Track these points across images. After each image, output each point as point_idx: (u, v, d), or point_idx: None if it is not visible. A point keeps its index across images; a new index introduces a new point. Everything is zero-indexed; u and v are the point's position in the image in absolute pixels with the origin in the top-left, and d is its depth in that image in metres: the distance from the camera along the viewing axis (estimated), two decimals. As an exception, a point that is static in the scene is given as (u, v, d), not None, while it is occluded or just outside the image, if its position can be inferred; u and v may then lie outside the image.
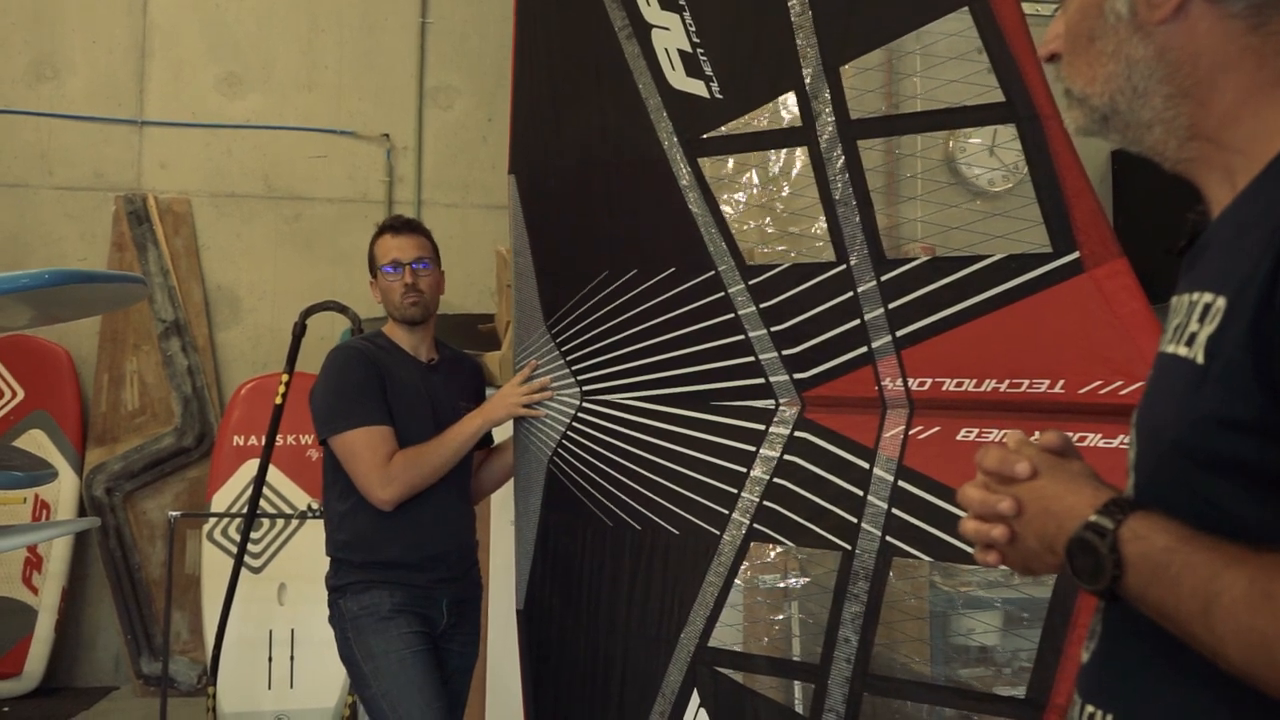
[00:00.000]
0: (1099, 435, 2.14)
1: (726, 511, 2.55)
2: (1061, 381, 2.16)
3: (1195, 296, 0.99)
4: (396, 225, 3.02)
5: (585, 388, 2.81)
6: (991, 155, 4.25)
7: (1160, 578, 0.93)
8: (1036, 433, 2.36)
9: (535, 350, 2.91)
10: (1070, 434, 2.17)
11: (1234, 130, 1.02)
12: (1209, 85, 1.02)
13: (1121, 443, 2.13)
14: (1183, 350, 0.98)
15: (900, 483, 2.33)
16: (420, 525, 2.91)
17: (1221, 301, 0.94)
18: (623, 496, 2.71)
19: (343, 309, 4.78)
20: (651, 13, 2.53)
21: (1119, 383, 2.10)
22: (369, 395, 2.87)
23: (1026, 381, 2.20)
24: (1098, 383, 2.12)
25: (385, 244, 2.98)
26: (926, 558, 2.30)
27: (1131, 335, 2.07)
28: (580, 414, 2.81)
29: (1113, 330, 2.08)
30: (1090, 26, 1.08)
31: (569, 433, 2.83)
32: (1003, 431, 2.24)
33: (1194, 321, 0.98)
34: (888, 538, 2.33)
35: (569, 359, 2.83)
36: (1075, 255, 2.11)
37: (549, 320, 2.85)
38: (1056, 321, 2.14)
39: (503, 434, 3.14)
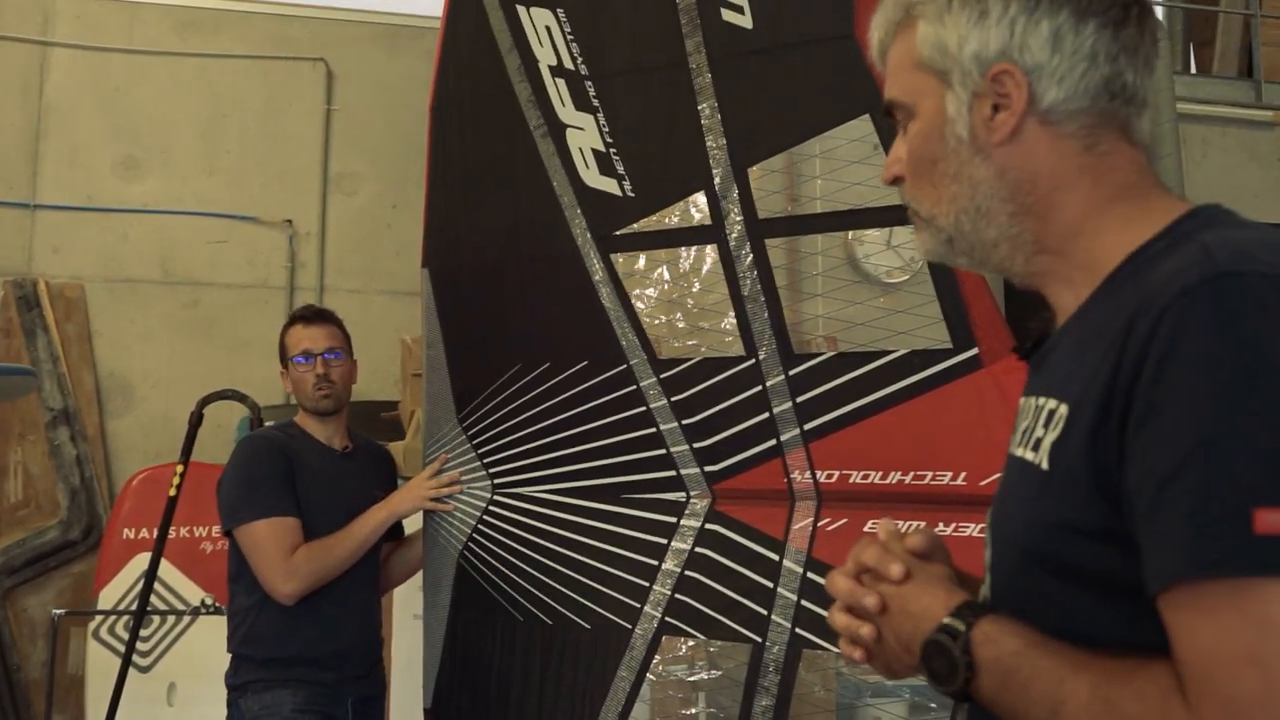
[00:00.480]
0: (1001, 526, 2.20)
1: (638, 605, 2.55)
2: (964, 473, 2.23)
3: (1041, 401, 1.03)
4: (308, 315, 3.00)
5: (497, 480, 2.80)
6: (889, 249, 4.42)
7: (1011, 682, 0.95)
8: (917, 524, 2.43)
9: (447, 443, 2.90)
10: (972, 525, 2.26)
11: (1076, 244, 1.06)
12: (1049, 202, 1.06)
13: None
14: (1029, 455, 1.02)
15: (809, 574, 2.36)
16: (326, 620, 2.86)
17: (1064, 409, 0.97)
18: (534, 591, 2.70)
19: (242, 397, 4.70)
20: (566, 113, 2.59)
21: (1018, 475, 2.17)
22: (276, 486, 2.82)
23: (930, 474, 2.26)
24: (998, 474, 2.19)
25: (296, 334, 2.96)
26: (835, 649, 2.32)
27: (1029, 429, 2.14)
28: (492, 507, 2.80)
29: (1010, 424, 2.16)
30: (933, 150, 1.09)
31: (480, 526, 2.82)
32: (911, 523, 2.29)
33: (1040, 427, 1.01)
34: (797, 630, 2.36)
35: (481, 451, 2.82)
36: (974, 351, 2.19)
37: (461, 413, 2.84)
38: (958, 415, 2.22)
39: (414, 524, 3.11)
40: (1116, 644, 0.91)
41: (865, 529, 2.34)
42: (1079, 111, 1.05)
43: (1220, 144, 4.76)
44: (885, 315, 2.29)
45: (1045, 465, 0.98)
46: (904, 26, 1.12)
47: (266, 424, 4.40)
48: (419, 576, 3.09)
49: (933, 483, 2.26)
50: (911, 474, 2.28)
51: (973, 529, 2.24)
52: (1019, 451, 1.05)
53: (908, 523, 2.29)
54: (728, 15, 2.37)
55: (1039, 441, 1.00)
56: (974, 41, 1.06)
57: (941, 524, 2.27)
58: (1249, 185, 4.69)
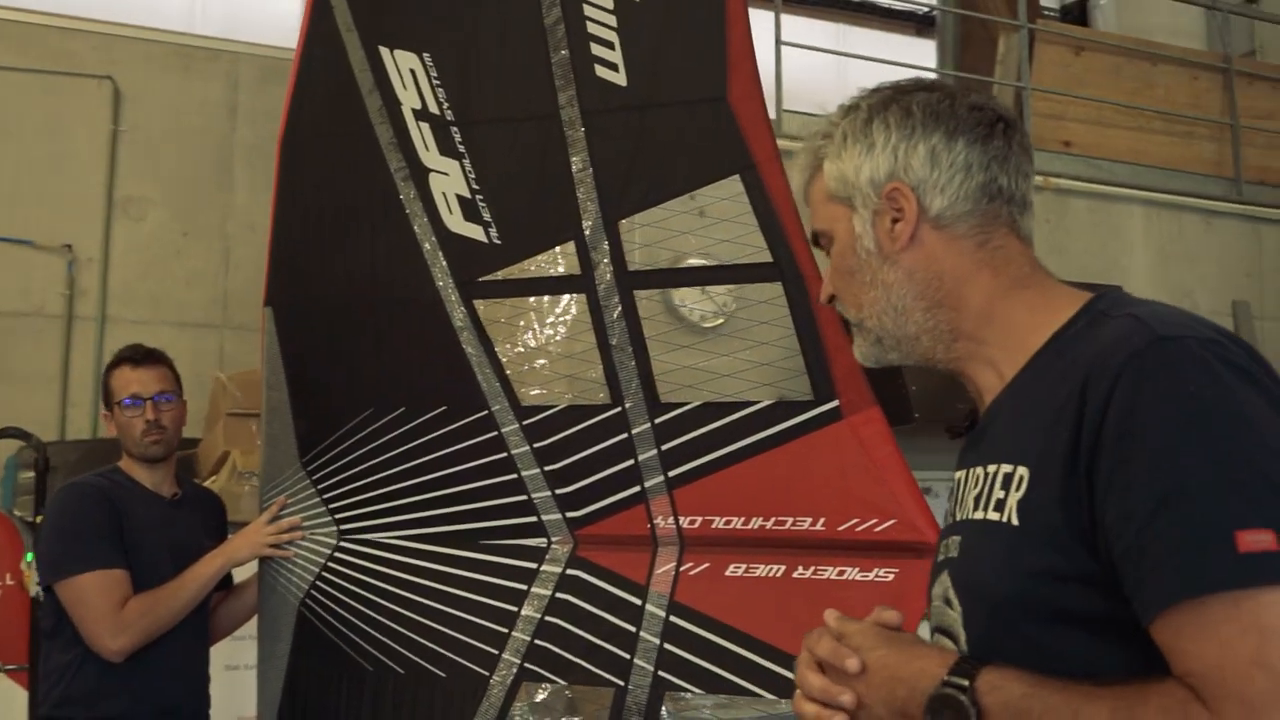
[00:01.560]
0: (856, 569, 2.34)
1: (496, 651, 2.54)
2: (822, 519, 2.35)
3: (991, 469, 1.15)
4: (136, 357, 2.85)
5: (344, 526, 2.74)
6: (703, 294, 4.56)
7: None
8: (778, 568, 2.51)
9: (288, 487, 2.80)
10: (830, 568, 2.38)
11: (990, 328, 1.22)
12: (957, 295, 1.22)
13: (877, 576, 2.34)
14: (993, 515, 1.13)
15: (672, 618, 2.42)
16: (152, 675, 2.71)
17: (1023, 471, 1.10)
18: (384, 639, 2.65)
19: (25, 435, 4.38)
20: (430, 158, 2.58)
21: (873, 520, 2.31)
22: (102, 537, 2.67)
23: (790, 519, 2.36)
24: (854, 520, 2.32)
25: (124, 376, 2.81)
26: (698, 691, 2.39)
27: (884, 477, 2.28)
28: (338, 553, 2.73)
29: (868, 473, 2.29)
30: (850, 264, 1.27)
31: (325, 573, 2.74)
32: (772, 567, 2.39)
33: (998, 490, 1.13)
34: (660, 673, 2.41)
35: (327, 496, 2.75)
36: (835, 404, 2.31)
37: (305, 457, 2.76)
38: (818, 464, 2.33)
39: (241, 571, 2.98)
40: (1107, 676, 1.00)
41: (726, 572, 2.43)
42: (965, 214, 1.22)
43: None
44: (751, 367, 2.39)
45: (1015, 521, 1.09)
46: (816, 170, 1.31)
47: (55, 466, 4.13)
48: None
49: (793, 528, 2.37)
50: (773, 519, 2.37)
51: (830, 572, 2.36)
52: (979, 515, 1.15)
53: (768, 566, 2.42)
54: (602, 72, 2.42)
55: (1001, 503, 1.11)
56: (867, 169, 1.25)
57: (801, 567, 2.38)
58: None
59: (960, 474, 1.24)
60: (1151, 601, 0.97)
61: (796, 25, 5.68)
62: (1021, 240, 1.24)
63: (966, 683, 1.04)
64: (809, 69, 6.23)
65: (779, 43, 4.74)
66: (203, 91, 6.20)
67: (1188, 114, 5.64)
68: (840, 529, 2.33)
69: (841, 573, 2.33)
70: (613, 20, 2.41)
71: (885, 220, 1.24)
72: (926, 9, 7.01)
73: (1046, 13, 6.87)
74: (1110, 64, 5.53)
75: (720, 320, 4.78)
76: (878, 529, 2.29)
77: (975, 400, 1.28)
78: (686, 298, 4.04)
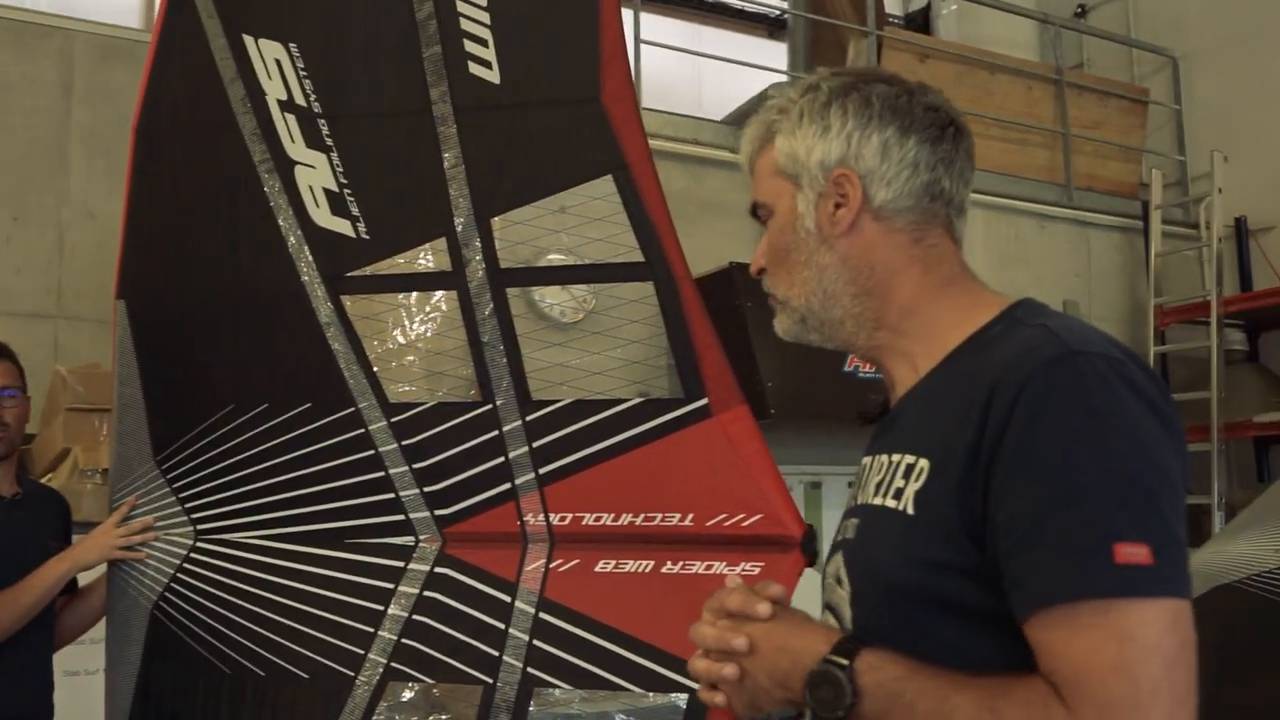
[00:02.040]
0: (723, 563, 2.39)
1: (362, 651, 2.51)
2: (691, 515, 2.39)
3: (895, 458, 1.21)
4: (-23, 350, 2.71)
5: (201, 526, 2.66)
6: (563, 289, 4.57)
7: (896, 704, 1.08)
8: (648, 563, 2.56)
9: (140, 486, 2.71)
10: (698, 562, 2.43)
11: (912, 322, 1.26)
12: (886, 286, 1.26)
13: (744, 569, 2.40)
14: (891, 503, 1.18)
15: (542, 615, 2.44)
16: (-6, 685, 2.59)
17: (924, 463, 1.15)
18: (244, 641, 2.58)
19: None
20: (296, 149, 2.52)
21: (741, 515, 2.36)
22: (-60, 540, 2.53)
23: (660, 515, 2.40)
24: (723, 515, 2.37)
25: (-36, 370, 2.67)
26: (567, 687, 2.41)
27: (752, 474, 2.34)
28: (194, 554, 2.66)
29: (735, 469, 2.35)
30: (787, 241, 1.29)
31: (179, 575, 2.66)
32: (642, 563, 2.43)
33: (899, 479, 1.18)
34: (529, 669, 2.42)
35: (183, 496, 2.67)
36: (704, 402, 2.36)
37: (160, 455, 2.68)
38: (687, 460, 2.38)
39: (88, 573, 2.87)
40: (979, 665, 1.06)
41: (596, 569, 2.46)
42: (906, 210, 1.26)
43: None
44: (622, 365, 2.41)
45: (911, 511, 1.14)
46: (766, 142, 1.32)
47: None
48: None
49: (662, 524, 2.41)
50: (642, 515, 2.41)
51: (698, 566, 2.41)
52: (877, 501, 1.21)
53: (637, 562, 2.45)
54: (475, 69, 2.41)
55: (900, 491, 1.17)
56: (819, 151, 1.27)
57: (670, 562, 2.43)
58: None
59: (867, 460, 1.29)
60: (1028, 600, 1.03)
61: (652, 24, 5.73)
62: (954, 242, 1.29)
63: (846, 661, 1.09)
64: (665, 68, 6.30)
65: (639, 41, 4.78)
66: (33, 69, 5.89)
67: (1023, 122, 5.90)
68: (708, 524, 2.38)
69: (709, 567, 2.38)
70: (486, 17, 2.40)
71: (828, 204, 1.26)
72: (778, 12, 7.16)
73: (892, 20, 7.09)
74: (952, 72, 5.76)
75: (580, 315, 4.81)
76: (745, 524, 2.35)
77: (888, 390, 1.33)
78: (546, 293, 4.06)
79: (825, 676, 1.09)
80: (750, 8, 7.39)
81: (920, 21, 7.14)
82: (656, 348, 2.38)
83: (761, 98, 4.99)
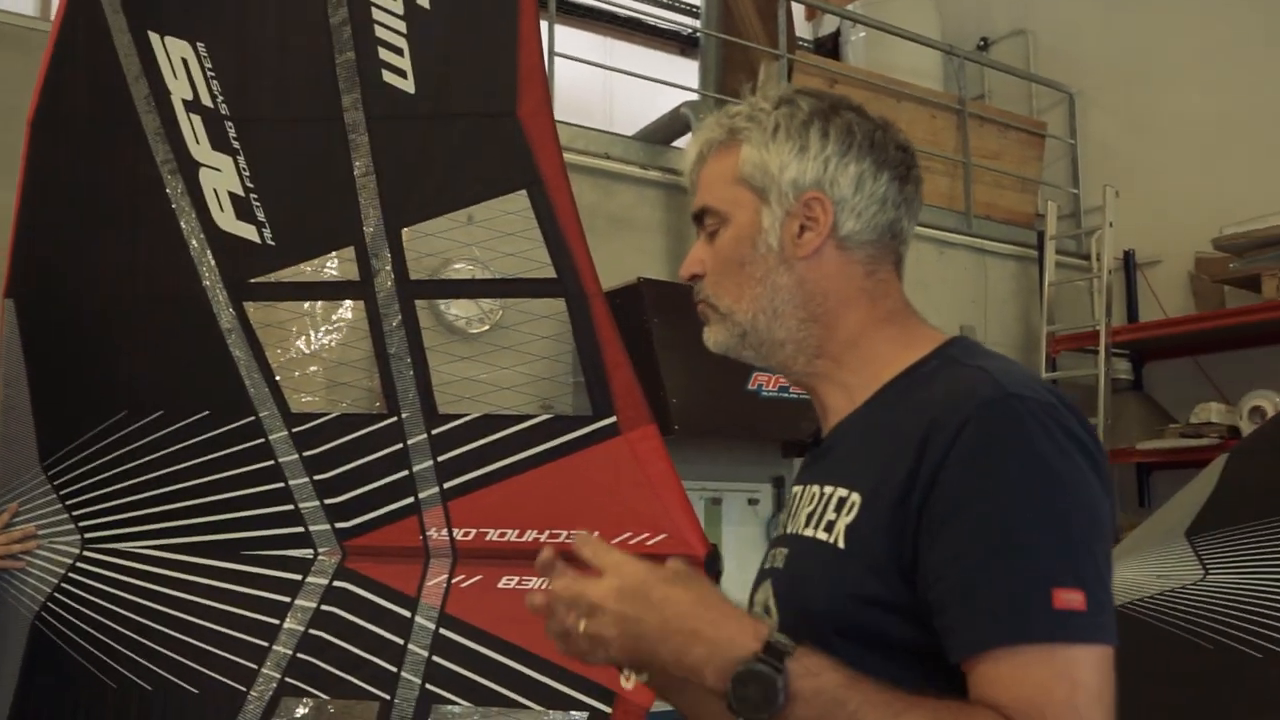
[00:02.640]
0: (627, 581, 2.39)
1: (255, 666, 2.46)
2: (596, 532, 2.37)
3: (827, 489, 1.20)
4: None
5: (89, 535, 2.58)
6: (471, 301, 4.54)
7: (837, 713, 1.03)
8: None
9: (24, 493, 2.61)
10: (602, 580, 2.42)
11: (853, 353, 1.25)
12: (834, 315, 1.25)
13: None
14: (822, 535, 1.17)
15: (442, 630, 2.41)
16: None
17: (856, 497, 1.14)
18: (131, 655, 2.51)
19: None
20: (201, 151, 2.47)
21: (645, 534, 2.37)
22: None
23: (565, 532, 2.40)
24: (628, 534, 2.38)
25: None
26: (466, 704, 2.39)
27: (659, 492, 2.35)
28: (81, 564, 2.57)
29: (643, 487, 2.36)
30: (743, 253, 1.25)
31: (64, 585, 2.57)
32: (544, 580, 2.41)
33: (830, 511, 1.17)
34: (428, 685, 2.40)
35: (70, 504, 2.58)
36: (613, 419, 2.36)
37: (46, 460, 2.58)
38: (594, 477, 2.38)
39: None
40: None
41: (499, 585, 2.44)
42: (867, 243, 1.26)
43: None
44: (531, 381, 2.41)
45: (841, 544, 1.13)
46: (725, 146, 1.27)
47: None
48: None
49: (567, 541, 2.39)
50: (547, 532, 2.40)
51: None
52: (808, 532, 1.20)
53: (541, 579, 2.43)
54: (389, 77, 2.39)
55: (831, 524, 1.16)
56: (793, 169, 1.24)
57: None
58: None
59: (798, 489, 1.28)
60: (969, 641, 1.03)
61: (565, 36, 5.73)
62: (899, 278, 1.29)
63: (779, 663, 1.03)
64: (577, 81, 6.30)
65: (552, 53, 4.78)
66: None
67: (926, 150, 6.04)
68: (613, 542, 2.36)
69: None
70: (402, 26, 2.38)
71: (794, 224, 1.24)
72: (690, 30, 7.21)
73: (802, 44, 7.20)
74: (860, 98, 5.82)
75: (485, 327, 4.78)
76: (649, 542, 2.35)
77: (819, 419, 1.31)
78: (453, 304, 4.03)
79: (756, 676, 1.02)
80: (663, 25, 7.43)
81: (829, 46, 7.25)
82: (563, 363, 2.38)
83: (674, 115, 4.99)
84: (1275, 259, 5.12)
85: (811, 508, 1.22)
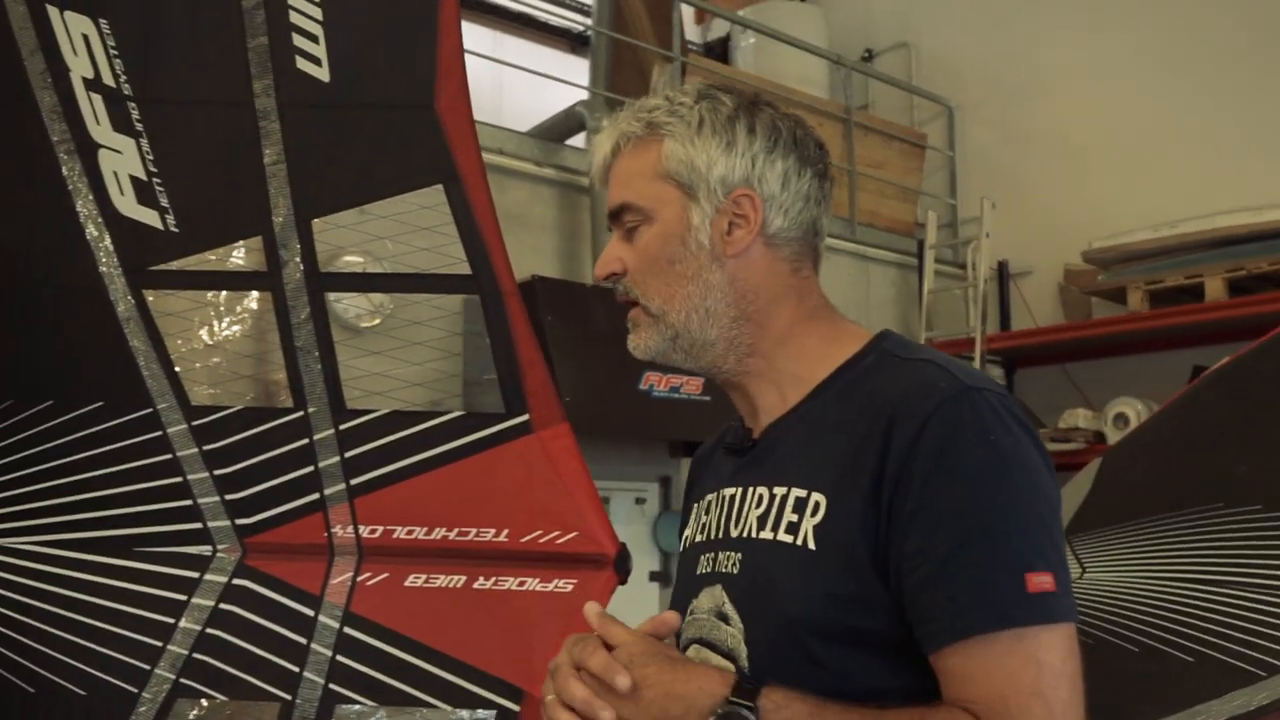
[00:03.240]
0: (536, 580, 2.39)
1: (148, 667, 2.38)
2: (506, 530, 2.38)
3: (778, 490, 1.19)
4: None
5: (-31, 530, 2.46)
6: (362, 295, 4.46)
7: None
8: (459, 578, 2.53)
9: (-102, 485, 2.48)
10: (510, 579, 2.42)
11: (783, 350, 1.25)
12: (766, 313, 1.24)
13: (556, 586, 2.40)
14: (785, 537, 1.16)
15: (346, 629, 2.38)
16: None
17: (819, 497, 1.14)
18: (13, 656, 2.40)
19: None
20: (101, 133, 2.37)
21: (556, 532, 2.37)
22: None
23: (474, 530, 2.39)
24: (538, 532, 2.38)
25: None
26: (370, 703, 2.35)
27: (570, 491, 2.36)
28: (-41, 560, 2.45)
29: (555, 486, 2.36)
30: (672, 251, 1.23)
31: (-60, 582, 2.45)
32: (454, 577, 2.40)
33: (789, 512, 1.16)
34: (331, 685, 2.36)
35: (-51, 497, 2.46)
36: (526, 417, 2.36)
37: (-76, 451, 2.46)
38: (505, 476, 2.37)
39: None
40: (879, 695, 1.08)
41: (405, 583, 2.41)
42: (793, 240, 1.26)
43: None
44: (443, 377, 2.38)
45: (812, 545, 1.13)
46: (644, 141, 1.25)
47: None
48: None
49: (476, 539, 2.39)
50: (456, 530, 2.38)
51: (510, 582, 2.40)
52: (766, 535, 1.18)
53: (449, 577, 2.42)
54: (303, 64, 2.33)
55: (795, 526, 1.15)
56: (721, 166, 1.23)
57: (482, 578, 2.41)
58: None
59: (733, 491, 1.26)
60: (942, 631, 1.06)
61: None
62: (817, 275, 1.29)
63: (751, 702, 1.05)
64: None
65: (448, 46, 4.73)
66: None
67: (812, 156, 6.15)
68: (523, 540, 2.38)
69: (522, 583, 2.38)
70: (318, 14, 2.33)
71: (723, 221, 1.23)
72: (582, 29, 7.22)
73: (691, 47, 7.27)
74: (749, 103, 5.92)
75: (376, 320, 4.70)
76: (560, 541, 2.36)
77: (746, 418, 1.30)
78: (343, 295, 3.96)
79: (731, 718, 1.05)
80: (554, 21, 7.42)
81: (719, 51, 7.33)
82: (453, 361, 2.37)
83: (569, 113, 4.98)
84: (1141, 272, 5.37)
85: (762, 510, 1.20)
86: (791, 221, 1.25)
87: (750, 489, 1.24)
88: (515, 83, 6.73)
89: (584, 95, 5.78)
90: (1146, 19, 5.93)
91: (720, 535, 1.27)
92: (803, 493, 1.16)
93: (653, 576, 5.09)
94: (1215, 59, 5.66)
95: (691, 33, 7.70)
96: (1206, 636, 2.48)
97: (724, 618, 1.22)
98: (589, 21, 6.82)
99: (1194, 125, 5.69)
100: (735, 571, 1.22)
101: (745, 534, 1.22)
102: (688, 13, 6.95)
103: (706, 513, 1.32)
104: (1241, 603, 2.50)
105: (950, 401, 1.10)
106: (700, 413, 4.68)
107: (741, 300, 1.24)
